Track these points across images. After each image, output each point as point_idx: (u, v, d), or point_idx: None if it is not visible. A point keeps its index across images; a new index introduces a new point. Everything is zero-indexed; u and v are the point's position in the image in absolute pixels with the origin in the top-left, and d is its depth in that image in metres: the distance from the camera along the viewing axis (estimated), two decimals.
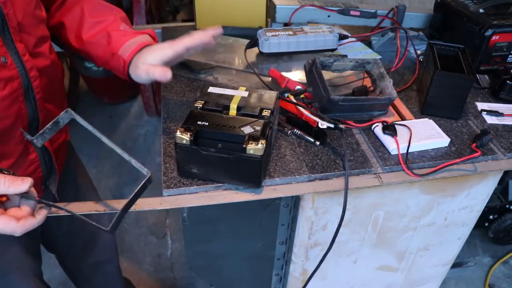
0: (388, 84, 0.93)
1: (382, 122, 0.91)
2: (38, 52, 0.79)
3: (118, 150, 0.66)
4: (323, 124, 0.84)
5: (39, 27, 0.80)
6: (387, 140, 0.88)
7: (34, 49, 0.78)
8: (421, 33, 1.29)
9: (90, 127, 0.65)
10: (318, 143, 0.87)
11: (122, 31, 0.86)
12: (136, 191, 0.64)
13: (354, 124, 0.92)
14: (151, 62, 0.80)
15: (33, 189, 0.64)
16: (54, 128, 0.66)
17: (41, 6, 0.83)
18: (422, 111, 0.99)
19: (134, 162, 0.65)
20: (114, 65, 0.86)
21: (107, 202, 0.75)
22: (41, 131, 0.65)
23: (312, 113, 0.86)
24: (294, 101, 0.90)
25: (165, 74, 0.78)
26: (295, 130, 0.90)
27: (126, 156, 0.66)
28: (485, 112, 1.00)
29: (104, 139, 0.66)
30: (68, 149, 1.05)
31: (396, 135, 0.87)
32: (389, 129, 0.88)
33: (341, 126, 0.84)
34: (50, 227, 1.15)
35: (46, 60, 0.82)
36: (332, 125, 0.84)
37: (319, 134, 0.88)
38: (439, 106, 0.97)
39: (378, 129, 0.90)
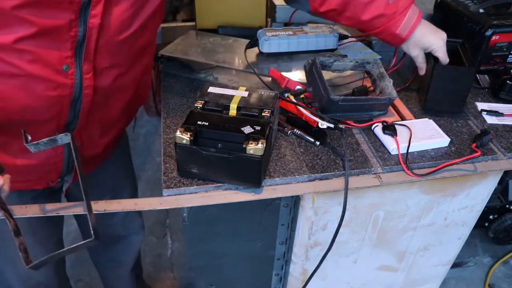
0: (388, 84, 0.93)
1: (382, 122, 0.91)
2: (104, 75, 0.79)
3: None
4: (323, 124, 0.84)
5: (118, 55, 0.79)
6: (387, 140, 0.88)
7: (101, 71, 0.78)
8: None
9: (77, 161, 0.65)
10: (318, 143, 0.87)
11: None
12: (75, 245, 0.61)
13: (354, 124, 0.92)
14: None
15: (5, 189, 0.64)
16: (51, 143, 0.66)
17: (143, 37, 0.82)
18: (424, 107, 0.99)
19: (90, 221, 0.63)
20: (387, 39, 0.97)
21: (107, 202, 0.75)
22: (36, 142, 0.65)
23: (312, 113, 0.86)
24: (294, 101, 0.90)
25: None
26: (295, 130, 0.90)
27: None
28: (485, 112, 1.00)
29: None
30: (102, 158, 1.05)
31: (396, 135, 0.87)
32: (389, 129, 0.88)
33: (341, 126, 0.85)
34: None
35: (110, 83, 0.81)
36: (332, 125, 0.84)
37: (319, 134, 0.88)
38: (441, 100, 0.97)
39: (378, 129, 0.90)
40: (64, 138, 0.66)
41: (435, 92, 0.96)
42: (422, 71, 1.00)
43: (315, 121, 0.85)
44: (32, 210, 0.73)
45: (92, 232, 0.61)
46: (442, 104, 0.98)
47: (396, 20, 0.91)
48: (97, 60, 0.76)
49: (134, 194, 1.27)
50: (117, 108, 0.90)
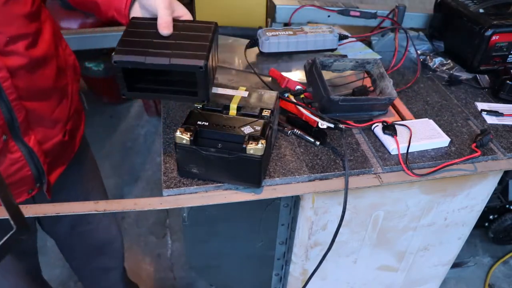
0: (388, 84, 0.93)
1: (382, 122, 0.91)
2: (10, 51, 0.74)
3: None
4: (323, 124, 0.84)
5: (13, 24, 0.74)
6: (387, 140, 0.88)
7: (5, 47, 0.73)
8: (421, 33, 1.29)
9: None
10: (318, 143, 0.87)
11: None
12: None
13: (354, 124, 0.92)
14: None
15: None
16: None
17: (25, 0, 0.76)
18: None
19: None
20: (116, 6, 0.79)
21: (107, 202, 0.75)
22: None
23: (312, 113, 0.86)
24: (294, 101, 0.90)
25: (167, 26, 0.71)
26: (295, 130, 0.90)
27: None
28: (485, 112, 1.00)
29: None
30: (71, 150, 1.01)
31: (396, 135, 0.87)
32: (389, 129, 0.88)
33: (341, 126, 0.85)
34: (48, 224, 1.14)
35: (23, 58, 0.76)
36: (332, 125, 0.84)
37: (319, 134, 0.88)
38: None
39: (378, 129, 0.90)
40: None
41: None
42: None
43: (315, 121, 0.85)
44: (32, 210, 0.73)
45: (12, 222, 0.47)
46: None
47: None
48: None
49: (104, 195, 1.24)
50: (48, 86, 0.84)
